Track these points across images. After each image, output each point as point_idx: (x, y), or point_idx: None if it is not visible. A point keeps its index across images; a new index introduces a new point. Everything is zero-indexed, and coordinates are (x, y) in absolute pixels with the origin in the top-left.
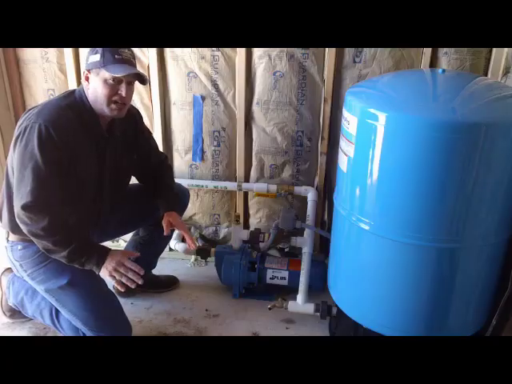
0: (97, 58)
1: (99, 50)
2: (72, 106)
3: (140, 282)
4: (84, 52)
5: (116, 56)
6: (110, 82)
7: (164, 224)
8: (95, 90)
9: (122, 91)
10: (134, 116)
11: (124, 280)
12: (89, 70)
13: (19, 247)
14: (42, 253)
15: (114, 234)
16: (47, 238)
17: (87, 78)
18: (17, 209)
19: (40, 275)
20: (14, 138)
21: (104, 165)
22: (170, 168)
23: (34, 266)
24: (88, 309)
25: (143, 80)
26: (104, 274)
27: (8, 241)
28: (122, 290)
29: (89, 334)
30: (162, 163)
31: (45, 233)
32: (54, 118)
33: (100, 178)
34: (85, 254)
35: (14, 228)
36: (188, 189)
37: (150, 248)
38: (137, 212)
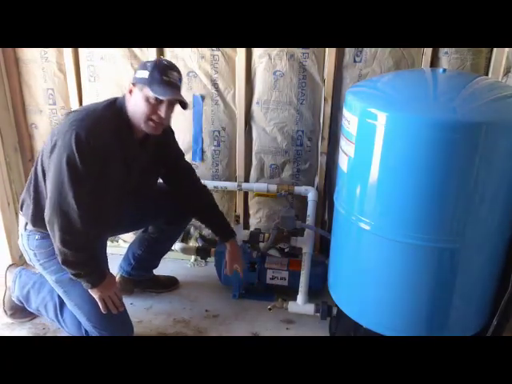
0: (144, 74)
1: (149, 66)
2: (112, 117)
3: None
4: (84, 52)
5: (164, 77)
6: (152, 101)
7: (228, 267)
8: (136, 104)
9: (162, 112)
10: (168, 132)
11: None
12: (134, 84)
13: (36, 237)
14: None
15: (125, 230)
16: (69, 248)
17: (131, 91)
18: (51, 216)
19: (52, 266)
20: (52, 142)
21: (129, 176)
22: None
23: (47, 256)
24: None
25: (184, 104)
26: (94, 294)
27: (26, 229)
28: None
29: (91, 330)
30: (194, 174)
31: (68, 244)
32: (93, 128)
33: (123, 186)
34: (90, 274)
35: (36, 222)
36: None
37: (155, 247)
38: (153, 210)
